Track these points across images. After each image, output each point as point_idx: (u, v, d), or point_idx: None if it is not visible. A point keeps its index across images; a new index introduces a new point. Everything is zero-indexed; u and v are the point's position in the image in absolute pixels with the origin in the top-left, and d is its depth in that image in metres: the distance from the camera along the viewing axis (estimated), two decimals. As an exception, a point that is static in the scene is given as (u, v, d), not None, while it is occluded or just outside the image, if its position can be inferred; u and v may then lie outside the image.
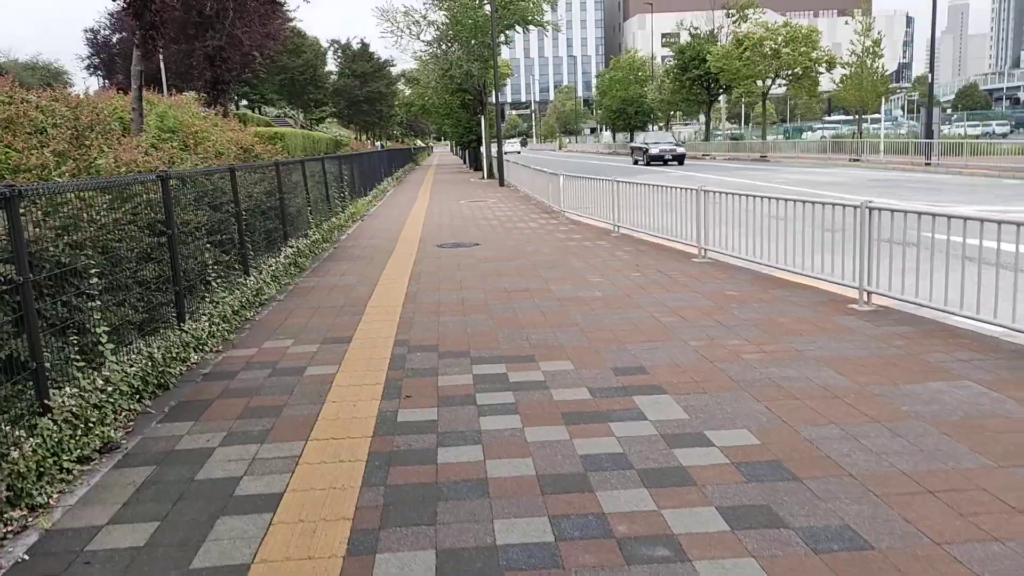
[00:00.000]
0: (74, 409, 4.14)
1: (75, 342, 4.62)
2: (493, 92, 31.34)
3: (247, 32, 20.92)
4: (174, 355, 5.59)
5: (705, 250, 10.43)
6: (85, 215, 5.16)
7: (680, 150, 41.13)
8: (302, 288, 9.27)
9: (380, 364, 5.89)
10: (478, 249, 12.23)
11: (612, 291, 8.46)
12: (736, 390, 4.99)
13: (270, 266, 9.15)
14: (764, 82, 47.81)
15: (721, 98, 61.73)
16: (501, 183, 28.77)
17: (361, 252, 12.37)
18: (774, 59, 45.40)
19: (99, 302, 4.89)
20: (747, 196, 9.41)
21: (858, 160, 36.20)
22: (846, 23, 48.26)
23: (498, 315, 7.48)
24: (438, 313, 7.68)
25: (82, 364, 4.61)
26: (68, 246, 4.70)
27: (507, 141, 50.62)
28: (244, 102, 51.38)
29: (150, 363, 5.18)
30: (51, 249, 4.52)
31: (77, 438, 4.05)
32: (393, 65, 55.14)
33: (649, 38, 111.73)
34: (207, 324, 6.51)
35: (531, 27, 34.99)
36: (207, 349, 6.31)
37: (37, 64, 71.43)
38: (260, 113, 55.09)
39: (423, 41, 33.15)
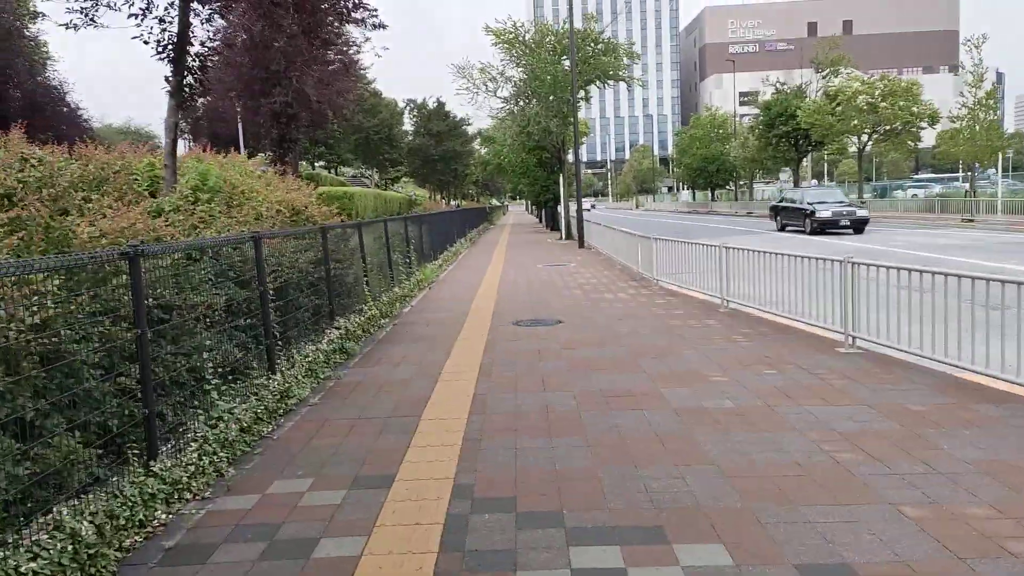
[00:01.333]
0: None
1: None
2: (572, 149, 29.73)
3: (316, 89, 19.90)
4: (123, 522, 3.73)
5: (854, 338, 8.16)
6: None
7: (862, 212, 27.84)
8: (345, 385, 7.41)
9: (427, 538, 3.89)
10: (562, 328, 10.23)
11: (746, 399, 6.31)
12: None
13: (306, 356, 7.35)
14: (859, 138, 44.91)
15: (810, 155, 58.87)
16: (581, 244, 26.87)
17: (424, 330, 10.52)
18: (870, 113, 42.61)
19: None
20: (918, 272, 7.18)
21: (972, 220, 32.90)
22: (953, 76, 44.80)
23: (597, 439, 5.42)
24: (515, 431, 5.67)
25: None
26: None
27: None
28: (321, 163, 51.46)
29: (71, 546, 3.32)
30: None
31: None
32: (469, 124, 54.54)
33: (726, 97, 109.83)
34: (196, 456, 4.66)
35: (609, 83, 33.50)
36: (190, 494, 4.45)
37: (129, 128, 74.38)
38: (336, 173, 55.15)
39: (500, 98, 31.94)
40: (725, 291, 11.37)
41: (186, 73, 9.01)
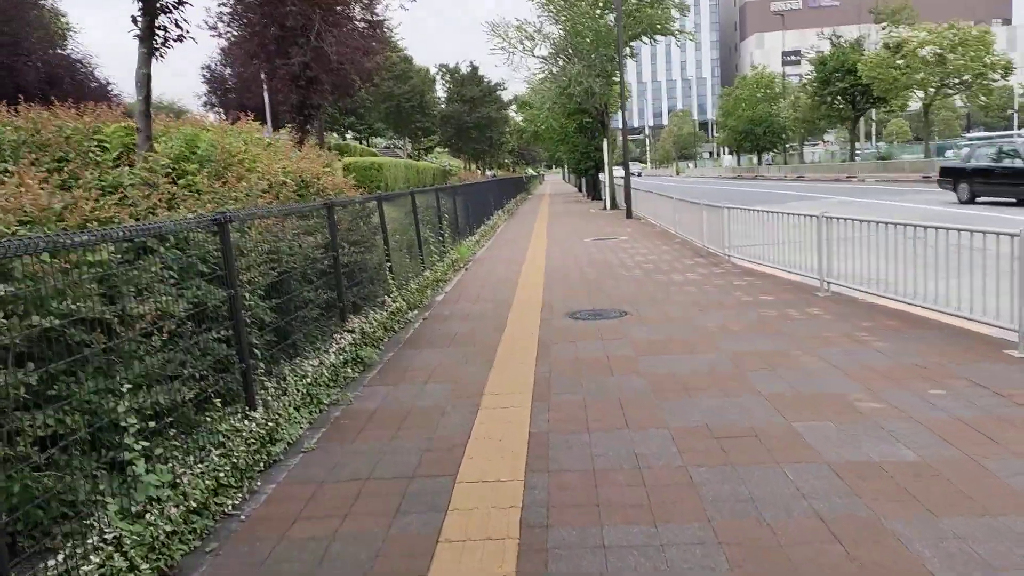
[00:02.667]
0: None
1: None
2: (619, 110, 27.41)
3: (335, 47, 17.91)
4: None
5: (1035, 339, 6.06)
6: None
7: None
8: (355, 416, 5.54)
9: None
10: (630, 323, 8.25)
11: (928, 444, 4.30)
12: None
13: (304, 376, 5.50)
14: (926, 92, 41.59)
15: (872, 112, 55.37)
16: (629, 215, 24.70)
17: (459, 327, 8.61)
18: (938, 65, 39.33)
19: None
20: None
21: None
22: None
23: (728, 530, 3.47)
24: (596, 508, 3.76)
25: None
26: None
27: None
28: (351, 133, 49.64)
29: None
30: None
31: None
32: (504, 88, 51.98)
33: (768, 57, 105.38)
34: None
35: (656, 39, 30.96)
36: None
37: (161, 103, 73.54)
38: (368, 144, 53.32)
39: (537, 57, 29.59)
40: (825, 271, 9.27)
41: (158, 12, 7.15)
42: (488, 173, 59.15)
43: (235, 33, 19.98)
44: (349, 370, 6.37)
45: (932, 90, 41.29)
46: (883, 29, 45.64)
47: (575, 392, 5.76)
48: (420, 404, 5.69)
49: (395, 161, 25.10)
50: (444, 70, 50.33)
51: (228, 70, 52.69)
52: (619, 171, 27.47)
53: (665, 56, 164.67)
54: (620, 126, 27.70)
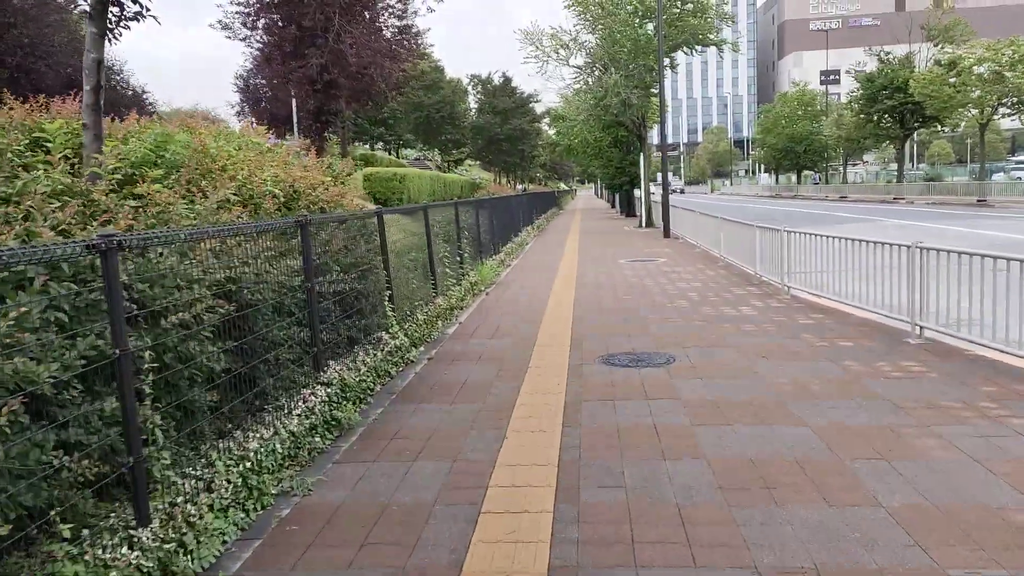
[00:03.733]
0: None
1: None
2: (658, 123, 25.82)
3: (355, 48, 16.57)
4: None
5: None
6: None
7: None
8: (306, 517, 4.00)
9: None
10: (680, 373, 6.66)
11: None
12: None
13: (243, 460, 3.99)
14: (983, 111, 39.31)
15: (915, 133, 53.06)
16: (666, 234, 23.06)
17: (470, 372, 7.08)
18: (995, 84, 37.14)
19: None
20: None
21: None
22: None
23: None
24: None
25: None
26: None
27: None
28: (379, 144, 48.47)
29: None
30: None
31: None
32: (537, 100, 50.37)
33: (806, 76, 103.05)
34: None
35: (697, 50, 29.33)
36: None
37: (196, 111, 73.64)
38: (397, 155, 52.18)
39: (572, 67, 28.06)
40: (918, 312, 7.61)
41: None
42: (519, 187, 57.69)
43: (253, 34, 18.83)
44: (318, 438, 4.87)
45: (989, 109, 39.03)
46: (935, 46, 43.53)
47: (614, 487, 4.19)
48: (401, 499, 4.16)
49: (419, 172, 23.71)
50: (476, 80, 48.96)
51: (260, 79, 52.13)
52: (657, 187, 25.89)
53: (701, 73, 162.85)
54: (658, 140, 26.13)
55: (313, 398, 4.99)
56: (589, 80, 27.94)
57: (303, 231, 5.32)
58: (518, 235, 21.33)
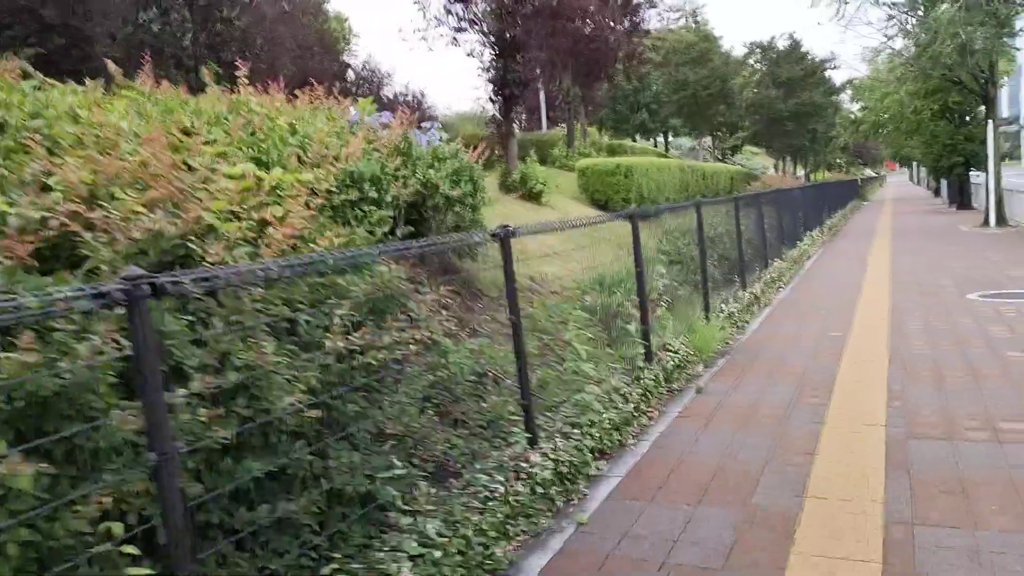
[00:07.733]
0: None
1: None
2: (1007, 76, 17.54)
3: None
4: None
5: None
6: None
7: None
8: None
9: None
10: None
11: None
12: None
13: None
14: None
15: None
16: (1037, 238, 15.19)
17: None
18: None
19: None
20: None
21: None
22: None
23: None
24: None
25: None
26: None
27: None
28: (639, 134, 43.00)
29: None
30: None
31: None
32: (835, 67, 41.08)
33: None
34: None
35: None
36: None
37: (471, 114, 74.51)
38: (666, 144, 46.38)
39: (882, 5, 20.33)
40: None
41: None
42: (799, 175, 48.66)
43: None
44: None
45: None
46: None
47: None
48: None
49: (655, 162, 18.09)
50: (755, 47, 41.11)
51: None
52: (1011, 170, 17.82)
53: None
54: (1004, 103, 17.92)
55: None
56: (911, 21, 20.09)
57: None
58: (792, 247, 14.92)
